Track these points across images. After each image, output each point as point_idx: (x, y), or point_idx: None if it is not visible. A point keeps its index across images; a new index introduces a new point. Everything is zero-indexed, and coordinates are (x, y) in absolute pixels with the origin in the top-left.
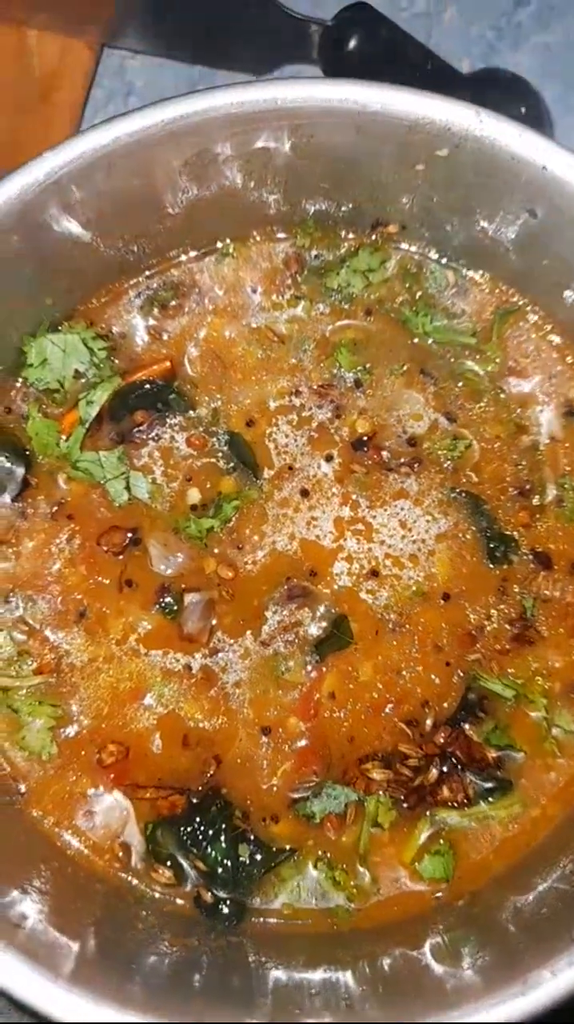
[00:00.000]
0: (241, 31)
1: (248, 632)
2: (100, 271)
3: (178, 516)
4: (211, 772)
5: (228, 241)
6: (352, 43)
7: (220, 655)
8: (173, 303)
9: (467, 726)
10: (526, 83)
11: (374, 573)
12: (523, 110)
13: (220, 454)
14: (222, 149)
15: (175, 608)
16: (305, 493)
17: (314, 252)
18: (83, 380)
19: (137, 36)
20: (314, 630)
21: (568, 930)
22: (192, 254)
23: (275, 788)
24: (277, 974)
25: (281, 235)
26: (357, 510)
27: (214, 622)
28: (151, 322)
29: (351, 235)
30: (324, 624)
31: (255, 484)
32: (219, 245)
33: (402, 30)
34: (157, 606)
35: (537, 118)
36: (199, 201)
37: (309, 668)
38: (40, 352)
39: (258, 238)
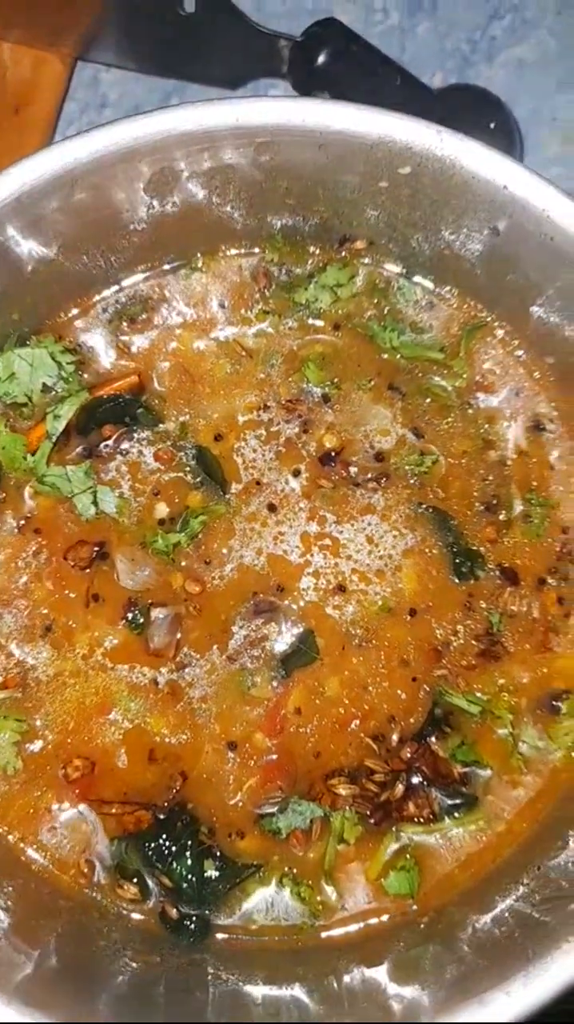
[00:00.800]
0: (212, 46)
1: (215, 647)
2: (67, 286)
3: (145, 530)
4: (177, 787)
5: (197, 255)
6: (321, 59)
7: (187, 670)
8: (142, 317)
9: (433, 741)
10: (495, 98)
11: (341, 588)
12: (493, 125)
13: (188, 468)
14: (184, 166)
15: (142, 623)
16: (272, 508)
17: (283, 267)
18: (51, 394)
19: (110, 50)
20: (280, 645)
21: (525, 952)
22: (160, 268)
23: (241, 804)
24: (237, 991)
25: (249, 250)
26: (324, 525)
27: (180, 637)
28: (119, 336)
29: (319, 250)
30: (290, 639)
31: (223, 499)
32: (187, 260)
33: (372, 45)
34: (124, 621)
35: (507, 133)
36: (165, 217)
37: (275, 683)
38: (8, 366)
39: (226, 253)
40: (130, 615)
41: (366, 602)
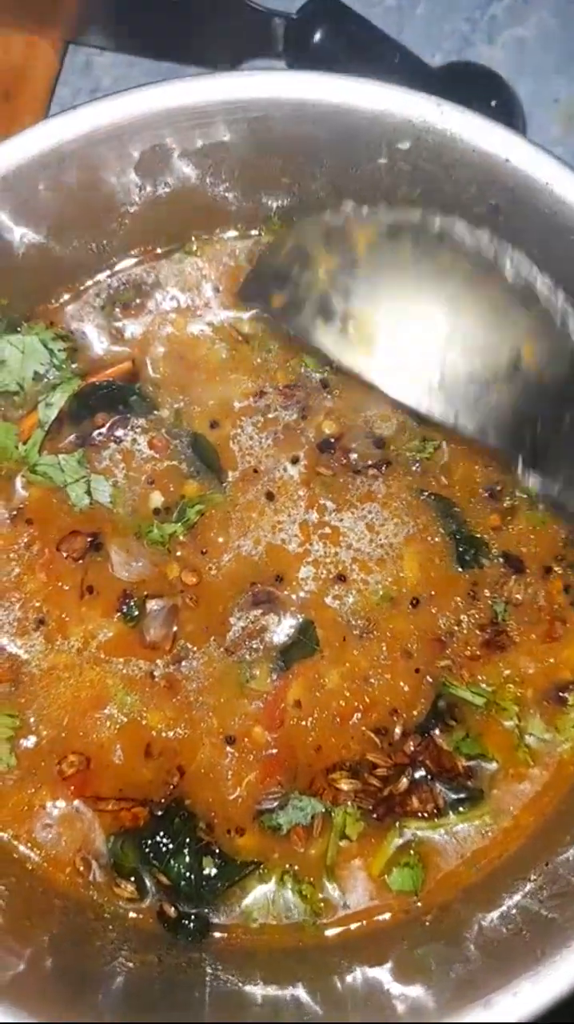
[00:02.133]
0: (206, 26)
1: (212, 639)
2: (59, 271)
3: (140, 520)
4: (174, 783)
5: (191, 239)
6: (317, 36)
7: (183, 663)
8: (135, 302)
9: (437, 734)
10: (497, 77)
11: (341, 578)
12: (494, 104)
13: (183, 457)
14: (175, 145)
15: (137, 615)
16: (270, 496)
17: None
18: (43, 382)
19: (102, 33)
20: (279, 637)
21: (533, 951)
22: (154, 252)
23: (240, 799)
24: (237, 991)
25: (245, 232)
26: (324, 513)
27: (176, 629)
28: (112, 322)
29: None
30: (290, 630)
31: (219, 487)
32: (181, 243)
33: (369, 23)
34: (119, 613)
35: (509, 112)
36: (157, 199)
37: (274, 676)
38: None
39: (221, 235)
40: (125, 607)
41: (367, 592)
